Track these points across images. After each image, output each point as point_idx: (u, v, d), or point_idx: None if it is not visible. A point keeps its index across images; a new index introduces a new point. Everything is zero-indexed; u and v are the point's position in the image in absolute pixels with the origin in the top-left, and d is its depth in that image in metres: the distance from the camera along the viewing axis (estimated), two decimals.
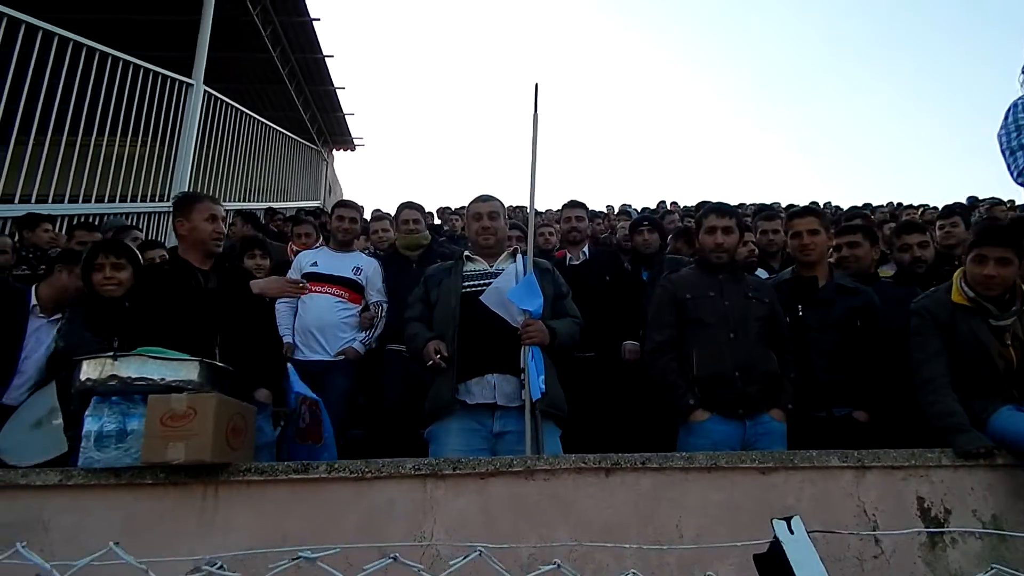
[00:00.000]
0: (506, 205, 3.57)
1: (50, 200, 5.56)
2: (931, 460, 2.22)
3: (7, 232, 4.92)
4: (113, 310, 2.75)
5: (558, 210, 10.77)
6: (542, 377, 2.45)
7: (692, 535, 2.11)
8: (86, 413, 2.13)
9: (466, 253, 2.86)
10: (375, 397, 3.65)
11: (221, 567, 0.76)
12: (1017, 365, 2.33)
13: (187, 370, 2.19)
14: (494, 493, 2.19)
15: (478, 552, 1.03)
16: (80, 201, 5.87)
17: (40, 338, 2.96)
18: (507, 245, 2.94)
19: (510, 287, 2.55)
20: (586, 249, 4.04)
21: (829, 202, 12.17)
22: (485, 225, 2.79)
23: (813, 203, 11.20)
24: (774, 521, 0.87)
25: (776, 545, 0.87)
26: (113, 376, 2.09)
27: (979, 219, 6.41)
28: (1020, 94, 2.79)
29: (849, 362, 2.74)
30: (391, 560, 0.86)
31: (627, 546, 1.98)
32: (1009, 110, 2.75)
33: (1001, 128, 2.75)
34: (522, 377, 2.48)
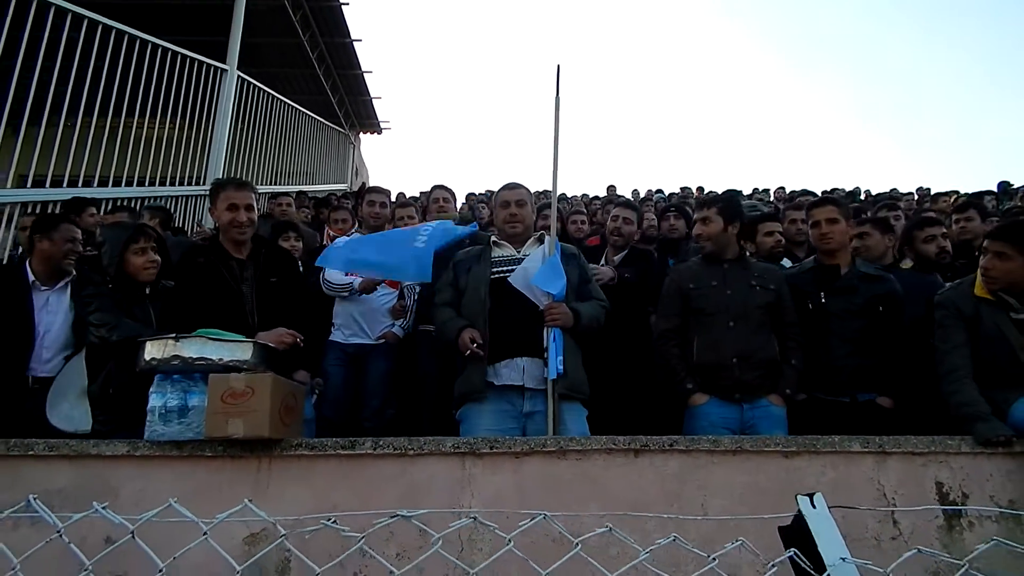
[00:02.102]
0: (534, 190, 3.67)
1: (95, 183, 5.75)
2: (951, 447, 2.29)
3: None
4: (142, 292, 2.81)
5: (593, 198, 10.82)
6: (560, 358, 2.56)
7: (716, 515, 2.22)
8: (151, 390, 2.29)
9: (493, 239, 2.97)
10: (410, 376, 3.79)
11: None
12: None
13: (242, 351, 2.35)
14: (528, 471, 2.31)
15: (543, 516, 1.15)
16: (123, 184, 6.07)
17: (52, 309, 3.06)
18: (533, 232, 3.03)
19: (537, 269, 2.66)
20: (619, 257, 3.79)
21: (857, 188, 12.02)
22: (513, 212, 2.90)
23: (842, 190, 11.10)
24: (798, 497, 0.97)
25: (799, 518, 0.97)
26: (176, 356, 2.25)
27: (1010, 209, 6.35)
28: None
29: (872, 348, 2.81)
30: (471, 520, 0.98)
31: (664, 516, 2.08)
32: None
33: None
34: (545, 357, 2.60)
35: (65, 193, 5.36)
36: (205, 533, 1.06)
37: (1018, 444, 2.28)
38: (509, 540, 1.24)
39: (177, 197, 6.87)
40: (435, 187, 4.37)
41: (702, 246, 2.96)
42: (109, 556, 1.92)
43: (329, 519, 1.00)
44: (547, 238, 2.83)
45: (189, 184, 7.19)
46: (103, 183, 5.81)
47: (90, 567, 1.14)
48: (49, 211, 5.27)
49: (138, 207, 5.94)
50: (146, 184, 6.51)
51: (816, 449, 2.30)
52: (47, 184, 5.33)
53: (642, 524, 2.13)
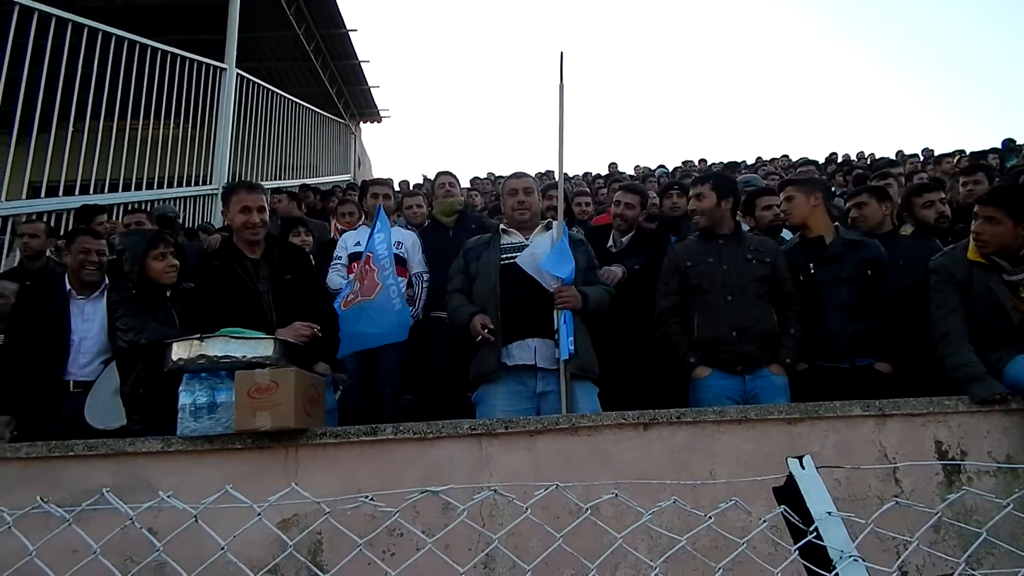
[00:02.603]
0: (535, 171, 3.73)
1: (106, 187, 5.87)
2: (948, 407, 2.38)
3: (68, 224, 5.27)
4: (163, 296, 2.94)
5: (596, 176, 10.84)
6: (571, 339, 2.66)
7: (724, 481, 2.32)
8: (180, 388, 2.40)
9: (502, 226, 3.06)
10: (423, 363, 3.90)
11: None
12: None
13: (264, 347, 2.45)
14: (542, 448, 2.42)
15: (555, 486, 1.25)
16: (132, 188, 6.18)
17: (88, 317, 3.22)
18: (540, 220, 3.11)
19: (545, 253, 2.75)
20: (625, 239, 3.83)
21: (862, 152, 11.96)
22: (520, 199, 2.99)
23: (835, 155, 11.05)
24: (788, 459, 1.06)
25: (791, 479, 1.07)
26: (202, 355, 2.35)
27: (1014, 167, 6.35)
28: None
29: (866, 312, 2.90)
30: (492, 493, 1.08)
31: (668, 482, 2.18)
32: None
33: None
34: (555, 339, 2.70)
35: (75, 201, 5.48)
36: (259, 514, 1.16)
37: (1013, 402, 2.37)
38: (527, 508, 1.35)
39: (185, 198, 6.97)
40: (440, 173, 4.45)
41: (696, 222, 3.04)
42: (149, 547, 2.05)
43: (367, 497, 1.10)
44: (554, 223, 2.91)
45: (196, 184, 7.30)
46: (113, 187, 5.93)
47: (160, 548, 1.26)
48: (62, 220, 5.41)
49: (148, 209, 6.07)
50: (154, 187, 6.62)
51: (818, 415, 2.39)
52: (60, 192, 5.43)
53: (654, 493, 2.25)
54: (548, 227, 3.00)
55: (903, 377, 2.86)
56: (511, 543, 2.33)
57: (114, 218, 5.50)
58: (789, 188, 3.15)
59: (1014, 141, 8.93)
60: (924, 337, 2.74)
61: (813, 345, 2.89)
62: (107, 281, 3.27)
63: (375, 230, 3.50)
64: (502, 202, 3.22)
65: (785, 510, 0.96)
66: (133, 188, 6.20)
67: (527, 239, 2.96)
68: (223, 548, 1.05)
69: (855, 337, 2.87)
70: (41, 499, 1.38)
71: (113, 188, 6.02)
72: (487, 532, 2.24)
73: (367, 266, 3.38)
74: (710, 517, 0.98)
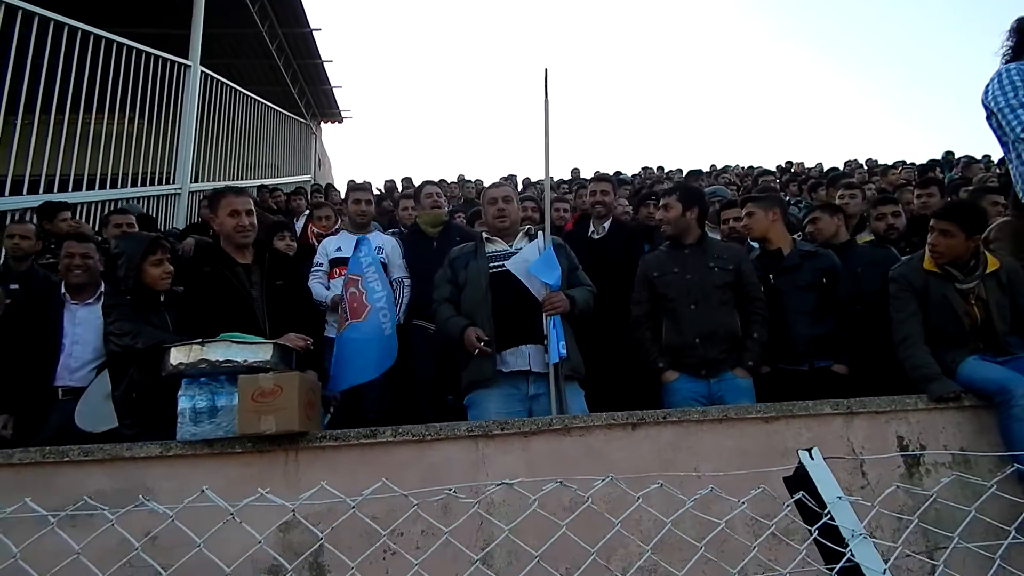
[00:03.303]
0: (500, 176, 3.84)
1: (70, 185, 5.68)
2: (909, 405, 2.60)
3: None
4: (159, 301, 2.93)
5: (559, 181, 11.01)
6: (562, 343, 2.78)
7: (708, 476, 2.48)
8: (179, 393, 2.42)
9: (484, 235, 3.15)
10: (405, 369, 3.95)
11: None
12: (981, 322, 2.71)
13: (264, 352, 2.49)
14: (536, 449, 2.53)
15: (558, 482, 1.36)
16: (96, 186, 6.01)
17: (80, 322, 3.22)
18: (520, 227, 3.22)
19: (533, 259, 2.86)
20: (606, 224, 4.20)
21: (820, 163, 12.48)
22: (500, 208, 3.10)
23: (790, 163, 11.53)
24: (799, 451, 1.20)
25: (800, 468, 1.20)
26: (203, 360, 2.37)
27: (952, 179, 6.79)
28: (1001, 63, 2.91)
29: (822, 317, 3.12)
30: (501, 485, 1.18)
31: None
32: (995, 77, 2.87)
33: (991, 92, 2.84)
34: (545, 343, 2.81)
35: (36, 200, 5.31)
36: (232, 515, 1.22)
37: (966, 399, 2.60)
38: (534, 500, 1.45)
39: (148, 197, 6.81)
40: (425, 183, 4.44)
41: (664, 231, 3.23)
42: (152, 552, 2.07)
43: (391, 491, 1.18)
44: (540, 233, 3.02)
45: (157, 183, 7.12)
46: (77, 184, 5.75)
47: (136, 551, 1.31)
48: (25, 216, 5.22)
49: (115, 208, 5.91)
50: (112, 185, 6.43)
51: (792, 413, 2.57)
52: (24, 188, 5.25)
53: (644, 487, 2.37)
54: (528, 234, 3.11)
55: (859, 377, 3.08)
56: (508, 541, 2.43)
57: (78, 216, 5.35)
58: (750, 204, 3.38)
59: (952, 154, 9.50)
60: (881, 339, 2.97)
61: (776, 349, 3.09)
62: (103, 287, 3.25)
63: (360, 253, 3.55)
64: (483, 211, 3.33)
65: (804, 495, 1.09)
66: (86, 186, 5.98)
67: (511, 246, 3.07)
68: (199, 545, 1.10)
69: (812, 340, 3.08)
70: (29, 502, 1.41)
71: (64, 184, 5.79)
72: (495, 521, 2.31)
73: (356, 288, 3.42)
74: (692, 500, 1.11)
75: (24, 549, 1.40)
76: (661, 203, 3.28)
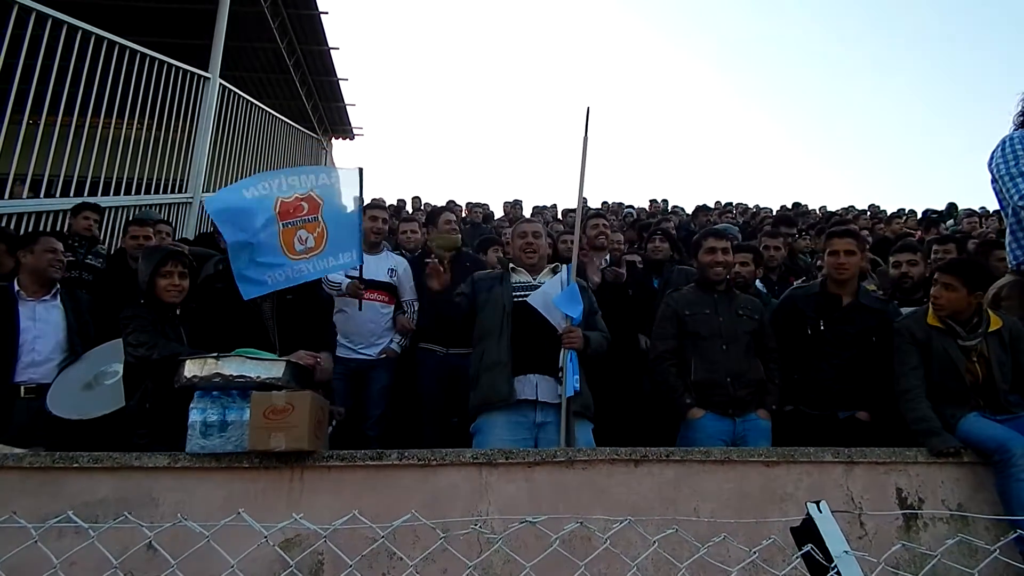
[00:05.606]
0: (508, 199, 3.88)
1: (86, 188, 5.74)
2: (909, 457, 2.63)
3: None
4: (173, 313, 2.96)
5: (566, 210, 11.11)
6: (576, 377, 2.83)
7: (707, 517, 2.50)
8: (191, 406, 2.45)
9: (511, 265, 3.24)
10: (410, 392, 3.99)
11: None
12: (982, 379, 2.76)
13: (276, 369, 2.53)
14: (539, 479, 2.55)
15: (579, 522, 1.40)
16: (112, 192, 6.07)
17: (40, 319, 3.27)
18: (547, 263, 3.29)
19: (556, 293, 2.92)
20: (607, 257, 4.35)
21: (823, 206, 12.61)
22: (529, 242, 3.20)
23: (806, 206, 11.67)
24: (807, 503, 1.24)
25: (808, 520, 1.24)
26: (217, 374, 2.41)
27: (952, 231, 6.89)
28: (1011, 130, 3.03)
29: (858, 374, 3.05)
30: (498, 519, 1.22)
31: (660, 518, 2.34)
32: (1000, 144, 2.98)
33: (995, 159, 2.96)
34: (560, 375, 2.85)
35: (51, 204, 5.37)
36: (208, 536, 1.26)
37: (965, 455, 2.64)
38: (555, 539, 1.48)
39: (160, 205, 6.87)
40: (441, 210, 4.65)
41: (717, 273, 3.21)
42: (154, 564, 2.08)
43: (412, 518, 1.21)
44: (565, 267, 3.09)
45: (168, 191, 7.17)
46: (93, 187, 5.81)
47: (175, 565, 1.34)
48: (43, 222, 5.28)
49: (126, 215, 5.98)
50: (132, 191, 6.49)
51: (793, 459, 2.61)
52: (42, 190, 5.32)
53: (643, 526, 2.40)
54: (555, 270, 3.18)
55: (877, 426, 3.04)
56: (507, 570, 2.45)
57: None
58: (851, 240, 3.17)
59: (956, 206, 9.64)
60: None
61: (802, 391, 3.11)
62: (59, 285, 3.40)
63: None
64: (512, 243, 3.42)
65: (812, 548, 1.13)
66: (102, 191, 6.03)
67: (535, 279, 3.14)
68: (174, 567, 1.14)
69: (842, 394, 3.04)
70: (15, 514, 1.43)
71: (80, 187, 5.83)
72: (495, 534, 2.32)
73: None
74: (675, 525, 1.14)
75: (16, 555, 1.44)
76: (721, 247, 3.24)
